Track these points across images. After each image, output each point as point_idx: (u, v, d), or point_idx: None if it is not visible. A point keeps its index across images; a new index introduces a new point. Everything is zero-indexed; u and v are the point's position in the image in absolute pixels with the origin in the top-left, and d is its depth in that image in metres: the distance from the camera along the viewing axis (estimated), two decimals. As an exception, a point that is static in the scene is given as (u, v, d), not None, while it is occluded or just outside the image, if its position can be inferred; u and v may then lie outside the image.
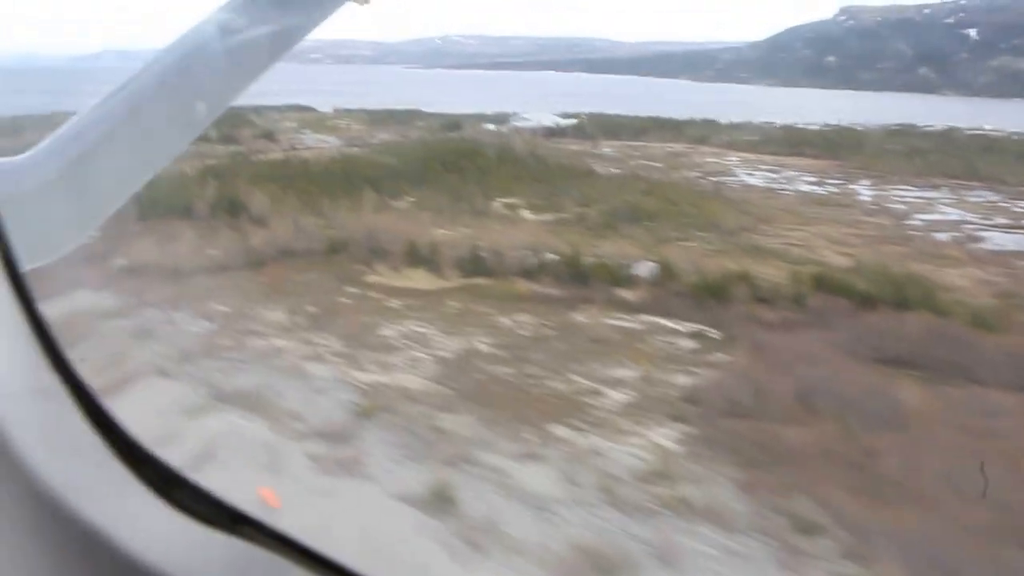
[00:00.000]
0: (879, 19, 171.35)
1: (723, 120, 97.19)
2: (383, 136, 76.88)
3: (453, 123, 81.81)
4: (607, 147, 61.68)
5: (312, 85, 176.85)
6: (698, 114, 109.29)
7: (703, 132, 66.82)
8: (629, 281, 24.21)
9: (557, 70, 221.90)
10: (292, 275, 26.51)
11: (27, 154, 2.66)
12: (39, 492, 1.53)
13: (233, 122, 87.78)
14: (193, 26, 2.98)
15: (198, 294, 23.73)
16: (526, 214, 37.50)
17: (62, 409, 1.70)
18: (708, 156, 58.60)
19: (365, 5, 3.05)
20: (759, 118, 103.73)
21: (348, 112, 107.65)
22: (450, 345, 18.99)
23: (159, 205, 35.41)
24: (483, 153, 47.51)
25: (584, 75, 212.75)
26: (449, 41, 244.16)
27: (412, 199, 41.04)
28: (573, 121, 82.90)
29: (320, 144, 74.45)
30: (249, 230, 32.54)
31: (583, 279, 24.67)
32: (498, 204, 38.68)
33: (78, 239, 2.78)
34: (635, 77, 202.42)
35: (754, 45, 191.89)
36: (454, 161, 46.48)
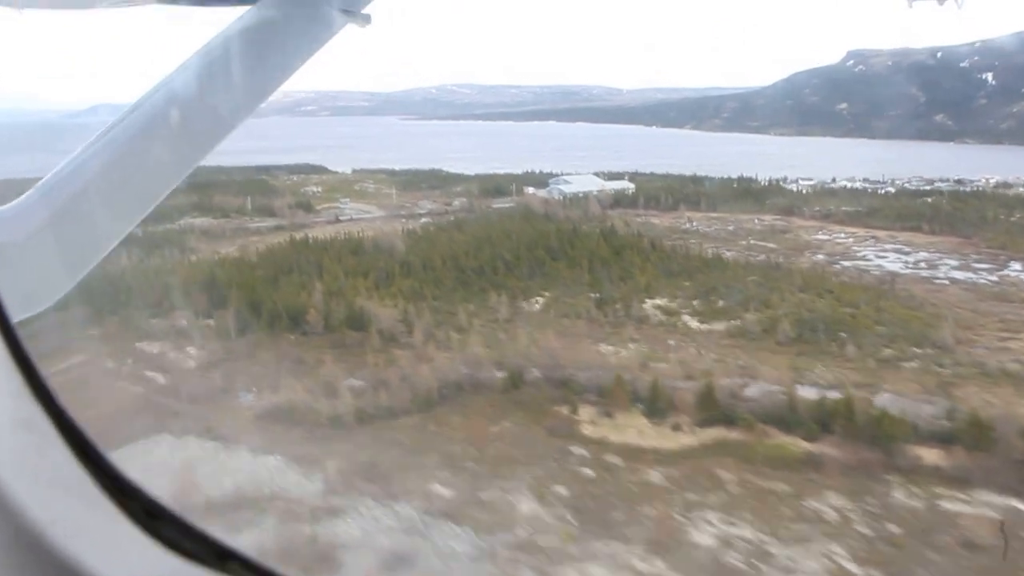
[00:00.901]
0: (889, 63, 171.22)
1: (762, 178, 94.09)
2: (428, 205, 72.47)
3: (495, 188, 77.49)
4: (694, 220, 56.50)
5: (314, 140, 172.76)
6: (724, 169, 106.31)
7: (786, 201, 62.14)
8: (916, 434, 20.00)
9: (557, 119, 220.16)
10: (482, 424, 22.35)
11: (12, 204, 2.84)
12: (21, 526, 1.51)
13: (259, 188, 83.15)
14: (170, 73, 3.21)
15: (390, 462, 19.33)
16: (691, 322, 32.60)
17: (45, 440, 1.67)
18: (815, 232, 53.82)
19: (366, 27, 3.69)
20: (796, 174, 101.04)
21: (369, 173, 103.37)
22: (807, 565, 14.99)
23: (261, 313, 31.05)
24: (584, 235, 42.94)
25: (586, 125, 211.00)
26: (444, 91, 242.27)
27: (543, 299, 36.46)
28: (623, 185, 78.79)
29: (363, 215, 69.99)
30: (385, 350, 28.16)
31: (855, 431, 20.67)
32: (648, 307, 33.72)
33: (66, 288, 3.01)
34: (639, 127, 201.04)
35: (759, 92, 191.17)
36: (557, 247, 41.12)
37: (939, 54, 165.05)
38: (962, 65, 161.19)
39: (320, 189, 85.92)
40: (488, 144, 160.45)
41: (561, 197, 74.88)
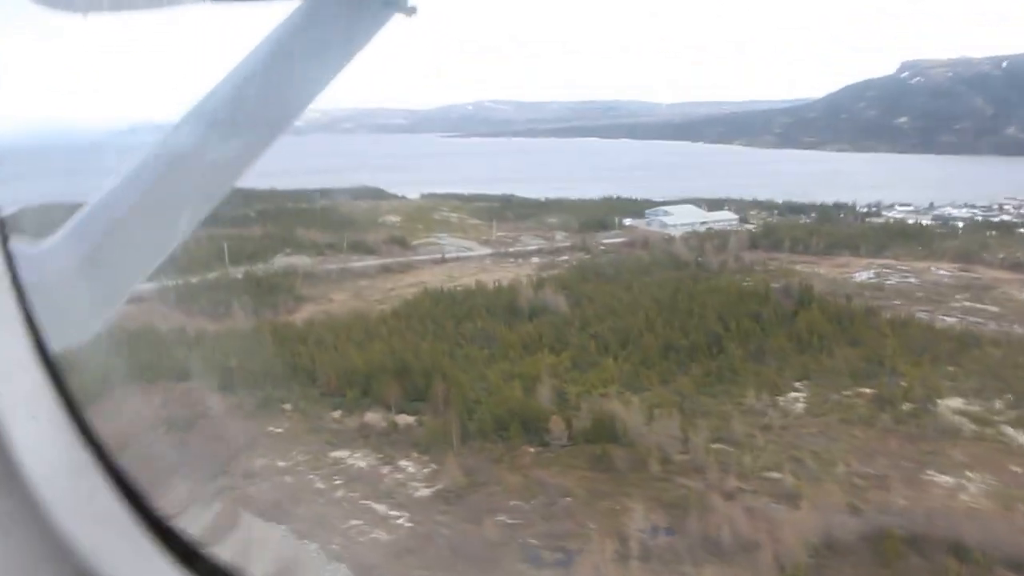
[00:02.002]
0: (950, 74, 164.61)
1: (856, 203, 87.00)
2: (530, 241, 66.36)
3: (594, 220, 71.37)
4: (861, 269, 47.41)
5: (360, 159, 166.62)
6: (804, 192, 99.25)
7: (951, 244, 53.95)
8: None
9: (599, 136, 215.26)
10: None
11: (48, 241, 2.94)
12: (74, 564, 1.67)
13: (334, 219, 77.46)
14: (198, 102, 3.28)
15: None
16: (1020, 436, 24.13)
17: (94, 486, 1.83)
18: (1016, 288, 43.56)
19: (412, 16, 3.61)
20: (883, 196, 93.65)
21: (440, 199, 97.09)
22: None
23: (468, 408, 25.27)
24: (770, 299, 36.01)
25: (631, 142, 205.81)
26: (481, 107, 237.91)
27: (799, 394, 26.78)
28: (725, 216, 72.64)
29: (465, 252, 64.18)
30: (668, 477, 22.18)
31: None
32: (943, 409, 25.79)
33: (104, 319, 3.10)
34: (686, 143, 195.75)
35: (809, 105, 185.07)
36: (761, 312, 34.19)
37: (1004, 64, 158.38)
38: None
39: (399, 219, 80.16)
40: (541, 163, 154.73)
41: (662, 228, 69.28)
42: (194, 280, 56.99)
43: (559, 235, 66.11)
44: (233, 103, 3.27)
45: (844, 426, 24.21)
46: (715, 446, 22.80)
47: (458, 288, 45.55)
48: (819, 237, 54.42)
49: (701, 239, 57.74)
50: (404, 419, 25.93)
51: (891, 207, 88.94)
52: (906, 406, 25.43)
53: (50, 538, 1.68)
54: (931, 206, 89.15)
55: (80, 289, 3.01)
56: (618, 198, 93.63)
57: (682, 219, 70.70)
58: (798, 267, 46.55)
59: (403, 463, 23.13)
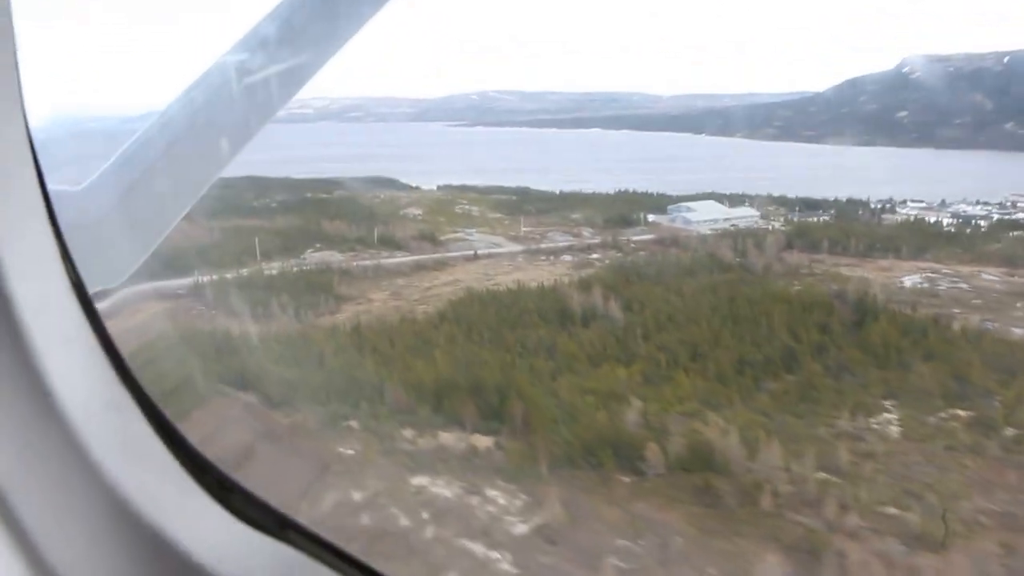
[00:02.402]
0: (951, 69, 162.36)
1: (869, 199, 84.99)
2: (558, 237, 63.91)
3: (618, 215, 69.01)
4: (906, 272, 44.91)
5: (369, 148, 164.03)
6: (815, 187, 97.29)
7: (993, 245, 51.88)
8: None
9: (601, 127, 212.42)
10: None
11: (86, 183, 2.95)
12: (113, 499, 1.69)
13: (354, 210, 74.82)
14: (213, 63, 3.21)
15: None
16: None
17: (131, 421, 1.83)
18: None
19: None
20: (893, 192, 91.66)
21: (457, 191, 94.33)
22: None
23: (547, 428, 23.15)
24: (833, 307, 33.74)
25: (635, 133, 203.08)
26: (486, 97, 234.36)
27: (891, 415, 24.70)
28: (747, 213, 70.43)
29: (495, 249, 61.89)
30: (779, 512, 20.12)
31: None
32: None
33: (138, 260, 3.09)
34: (688, 135, 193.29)
35: (809, 99, 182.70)
36: (828, 323, 31.94)
37: (1006, 59, 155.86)
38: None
39: (420, 212, 77.78)
40: (547, 154, 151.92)
41: (686, 225, 67.13)
42: (228, 276, 54.40)
43: (586, 231, 63.89)
44: (260, 50, 3.18)
45: (950, 454, 22.32)
46: (819, 476, 20.82)
47: (499, 289, 43.41)
48: (857, 238, 52.22)
49: (734, 238, 55.55)
50: (482, 440, 23.90)
51: (903, 203, 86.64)
52: (1009, 431, 23.55)
53: (87, 471, 1.65)
54: (943, 203, 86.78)
55: (116, 230, 2.96)
56: (633, 192, 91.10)
57: (705, 215, 68.55)
58: (842, 270, 44.58)
59: (491, 493, 21.08)
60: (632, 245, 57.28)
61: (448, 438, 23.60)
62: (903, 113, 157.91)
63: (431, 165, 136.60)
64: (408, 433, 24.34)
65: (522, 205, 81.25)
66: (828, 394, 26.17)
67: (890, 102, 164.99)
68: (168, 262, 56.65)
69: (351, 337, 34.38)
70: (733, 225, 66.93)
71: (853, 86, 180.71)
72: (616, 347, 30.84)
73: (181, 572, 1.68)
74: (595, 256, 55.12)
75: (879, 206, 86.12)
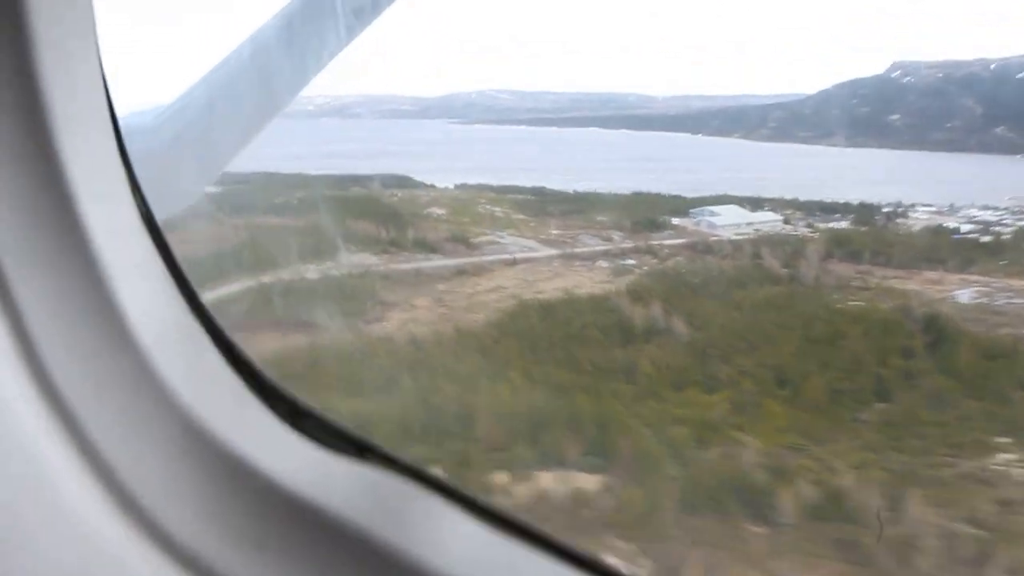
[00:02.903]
0: (940, 75, 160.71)
1: (877, 202, 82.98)
2: (589, 240, 61.67)
3: (646, 219, 66.79)
4: (954, 286, 43.88)
5: (376, 145, 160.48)
6: (822, 190, 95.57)
7: None
8: None
9: (598, 126, 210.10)
10: None
11: (154, 115, 3.30)
12: (186, 424, 1.71)
13: (376, 209, 72.07)
14: (261, 26, 3.51)
15: None
16: None
17: (202, 349, 1.85)
18: None
19: None
20: (900, 195, 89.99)
21: (475, 191, 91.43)
22: None
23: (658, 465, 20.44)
24: (908, 328, 31.79)
25: (632, 132, 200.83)
26: (484, 96, 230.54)
27: (1009, 456, 24.42)
28: (769, 218, 68.53)
29: (528, 252, 59.47)
30: None
31: None
32: None
33: (201, 189, 3.46)
34: (686, 135, 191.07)
35: (802, 101, 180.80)
36: (907, 347, 29.96)
37: (993, 65, 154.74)
38: (1019, 76, 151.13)
39: (443, 211, 75.04)
40: (551, 152, 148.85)
41: (711, 229, 64.72)
42: (266, 280, 51.54)
43: (615, 235, 61.34)
44: (289, 24, 3.50)
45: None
46: (962, 528, 18.53)
47: (547, 298, 40.91)
48: (899, 248, 49.93)
49: (769, 245, 53.23)
50: (586, 481, 21.45)
51: (912, 207, 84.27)
52: None
53: (160, 398, 1.67)
54: (952, 207, 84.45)
55: (180, 161, 3.22)
56: (647, 193, 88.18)
57: (729, 219, 66.18)
58: (893, 284, 42.36)
59: (616, 543, 18.60)
60: (666, 250, 54.73)
61: (549, 480, 21.14)
62: (895, 116, 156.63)
63: (440, 162, 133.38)
64: (502, 476, 21.78)
65: (543, 206, 78.48)
66: (932, 428, 24.02)
67: (882, 105, 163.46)
68: (199, 266, 53.32)
69: (409, 352, 31.76)
70: (757, 230, 64.33)
71: (845, 89, 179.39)
72: (693, 369, 28.53)
73: (258, 494, 1.69)
74: (631, 262, 52.67)
75: (890, 210, 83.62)
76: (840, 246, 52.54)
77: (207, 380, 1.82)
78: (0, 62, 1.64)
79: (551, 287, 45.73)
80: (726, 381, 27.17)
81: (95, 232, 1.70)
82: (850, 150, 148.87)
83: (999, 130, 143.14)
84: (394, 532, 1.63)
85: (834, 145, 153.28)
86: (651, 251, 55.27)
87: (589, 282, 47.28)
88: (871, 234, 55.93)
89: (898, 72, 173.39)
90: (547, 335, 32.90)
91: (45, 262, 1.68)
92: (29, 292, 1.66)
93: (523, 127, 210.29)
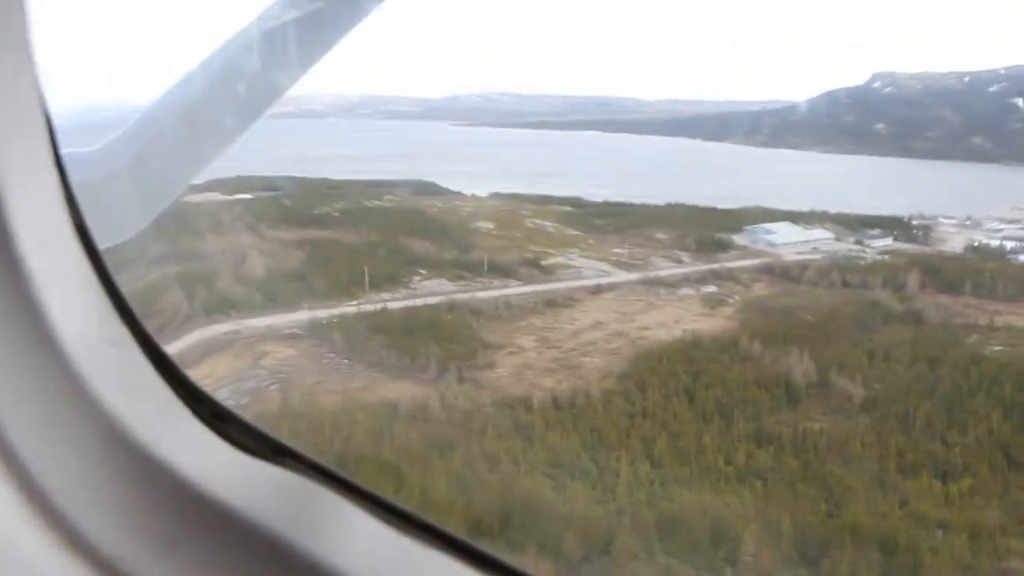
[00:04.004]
0: (920, 86, 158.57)
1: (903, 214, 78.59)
2: (663, 263, 55.79)
3: (708, 238, 61.41)
4: None
5: (390, 147, 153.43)
6: (838, 200, 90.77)
7: None
8: None
9: (599, 131, 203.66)
10: None
11: (99, 147, 2.80)
12: (109, 428, 1.61)
13: (435, 227, 65.63)
14: (228, 39, 3.12)
15: None
16: None
17: (131, 355, 1.75)
18: None
19: None
20: (915, 205, 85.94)
21: (514, 200, 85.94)
22: None
23: None
24: None
25: (632, 136, 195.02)
26: (486, 98, 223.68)
27: None
28: (820, 235, 63.28)
29: (604, 277, 53.80)
30: None
31: None
32: None
33: (143, 222, 2.90)
34: (684, 140, 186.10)
35: (791, 108, 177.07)
36: None
37: (967, 79, 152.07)
38: (991, 90, 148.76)
39: (491, 225, 68.92)
40: (564, 157, 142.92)
41: (770, 248, 59.49)
42: (337, 311, 44.94)
43: (683, 255, 56.04)
44: (248, 54, 3.14)
45: None
46: None
47: (667, 341, 35.50)
48: (989, 276, 45.11)
49: (850, 270, 48.26)
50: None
51: (935, 219, 79.51)
52: None
53: (83, 402, 1.60)
54: (972, 219, 79.90)
55: (125, 189, 2.82)
56: (681, 205, 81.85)
57: (785, 237, 61.07)
58: (1010, 320, 37.59)
59: None
60: (744, 275, 49.28)
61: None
62: (880, 125, 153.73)
63: (461, 167, 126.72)
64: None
65: (587, 218, 72.88)
66: None
67: (866, 114, 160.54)
68: (263, 287, 46.68)
69: (565, 421, 26.03)
70: (815, 248, 59.28)
71: (830, 98, 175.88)
72: (904, 445, 23.30)
73: (178, 496, 1.61)
74: (713, 289, 47.27)
75: (919, 223, 78.81)
76: (927, 273, 47.70)
77: (132, 384, 1.70)
78: None
79: (652, 322, 40.60)
80: (951, 461, 21.94)
81: (23, 237, 1.58)
82: (843, 157, 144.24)
83: (976, 140, 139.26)
84: (304, 533, 1.56)
85: (827, 152, 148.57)
86: (731, 276, 50.33)
87: (688, 315, 42.19)
88: (960, 262, 51.25)
89: (879, 83, 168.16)
90: (702, 394, 27.57)
91: None
92: None
93: (527, 130, 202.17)
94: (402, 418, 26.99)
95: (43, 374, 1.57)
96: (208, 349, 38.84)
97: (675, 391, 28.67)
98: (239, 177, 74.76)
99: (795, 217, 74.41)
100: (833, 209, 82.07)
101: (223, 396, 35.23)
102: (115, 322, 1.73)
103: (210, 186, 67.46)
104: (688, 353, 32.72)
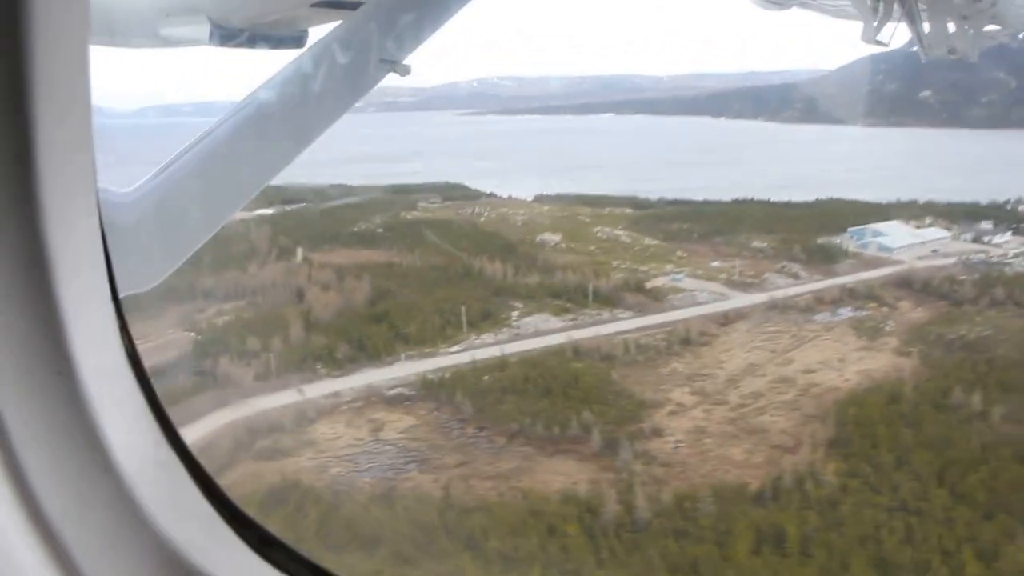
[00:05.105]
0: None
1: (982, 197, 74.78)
2: (775, 278, 52.17)
3: (816, 246, 57.40)
4: None
5: (397, 144, 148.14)
6: (905, 183, 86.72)
7: None
8: None
9: (613, 112, 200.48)
10: None
11: (130, 188, 3.02)
12: (162, 549, 1.73)
13: (496, 242, 61.15)
14: (270, 78, 3.51)
15: None
16: None
17: (178, 479, 1.89)
18: None
19: (406, 75, 3.87)
20: (996, 187, 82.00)
21: (559, 202, 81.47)
22: None
23: None
24: None
25: (652, 118, 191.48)
26: (486, 84, 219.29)
27: None
28: (937, 235, 59.67)
29: (727, 303, 49.53)
30: None
31: None
32: None
33: (169, 270, 3.15)
34: (707, 119, 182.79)
35: (822, 79, 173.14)
36: None
37: (1022, 36, 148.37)
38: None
39: (558, 238, 64.93)
40: (590, 146, 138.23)
41: (884, 253, 56.18)
42: (439, 361, 41.63)
43: (799, 270, 52.34)
44: (269, 109, 3.48)
45: None
46: None
47: (863, 391, 31.89)
48: None
49: (1000, 282, 44.87)
50: None
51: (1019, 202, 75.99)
52: None
53: (138, 523, 1.71)
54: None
55: (151, 238, 3.02)
56: (749, 201, 77.45)
57: (899, 240, 57.65)
58: None
59: None
60: (887, 295, 45.91)
61: None
62: (926, 92, 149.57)
63: (484, 163, 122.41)
64: None
65: (660, 224, 68.72)
66: None
67: (909, 81, 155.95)
68: (339, 331, 43.14)
69: (801, 519, 22.50)
70: (934, 250, 56.01)
71: (867, 64, 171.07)
72: None
73: None
74: (857, 314, 43.69)
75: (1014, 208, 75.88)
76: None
77: (183, 508, 1.80)
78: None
79: (811, 361, 36.82)
80: None
81: (83, 369, 1.72)
82: (892, 131, 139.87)
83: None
84: None
85: (873, 125, 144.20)
86: (870, 295, 46.32)
87: (847, 350, 38.22)
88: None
89: (919, 46, 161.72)
90: (956, 476, 23.96)
91: (37, 396, 1.70)
92: (20, 423, 1.68)
93: (537, 116, 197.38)
94: (606, 521, 23.28)
95: (100, 494, 1.68)
96: (314, 413, 35.04)
97: (921, 470, 24.57)
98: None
99: (882, 211, 70.52)
100: (918, 196, 78.28)
101: (365, 474, 31.16)
102: (166, 448, 1.84)
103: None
104: (888, 409, 28.79)
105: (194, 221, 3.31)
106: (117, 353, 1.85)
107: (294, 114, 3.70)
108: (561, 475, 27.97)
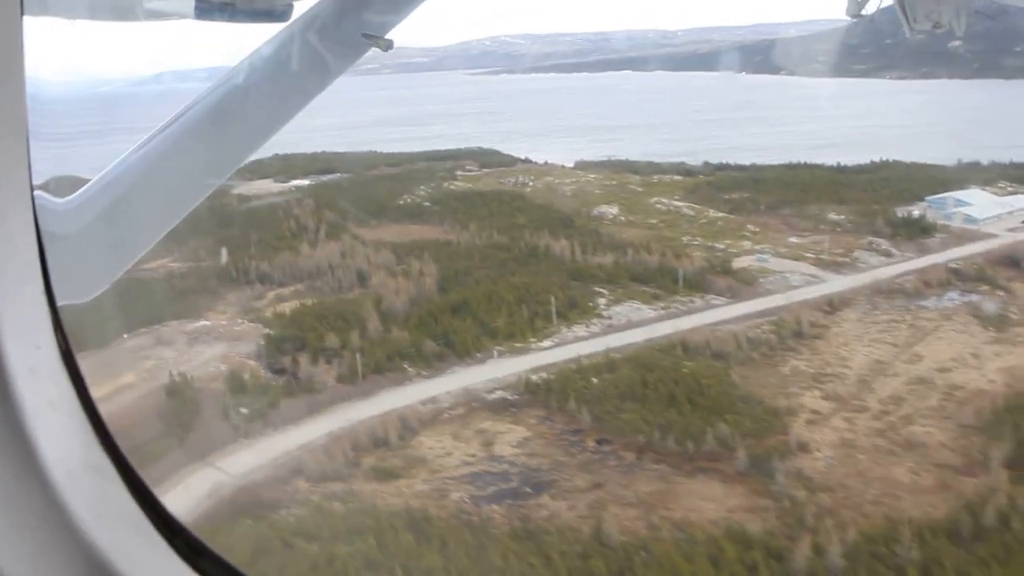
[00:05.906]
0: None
1: None
2: (868, 257, 48.20)
3: (901, 220, 52.83)
4: None
5: (414, 106, 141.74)
6: (968, 145, 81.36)
7: None
8: None
9: (630, 68, 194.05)
10: None
11: (69, 199, 2.77)
12: (90, 555, 1.68)
13: (552, 217, 56.48)
14: (228, 71, 3.19)
15: None
16: None
17: (110, 484, 1.83)
18: None
19: (388, 49, 3.52)
20: None
21: (603, 168, 76.50)
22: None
23: None
24: None
25: (673, 74, 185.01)
26: (498, 42, 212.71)
27: None
28: (1021, 203, 55.67)
29: (823, 287, 45.49)
30: None
31: None
32: None
33: (109, 281, 2.90)
34: (729, 73, 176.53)
35: (846, 29, 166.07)
36: None
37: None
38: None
39: (616, 211, 60.66)
40: (613, 105, 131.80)
41: (971, 225, 52.15)
42: (536, 359, 38.32)
43: (884, 244, 48.42)
44: (233, 100, 3.17)
45: None
46: None
47: (1015, 398, 28.55)
48: None
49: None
50: None
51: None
52: None
53: (65, 529, 1.66)
54: None
55: (95, 246, 2.86)
56: (805, 166, 71.89)
57: (985, 210, 53.50)
58: None
59: None
60: (999, 276, 42.14)
61: None
62: (956, 42, 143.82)
63: (506, 124, 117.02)
64: None
65: (719, 193, 64.35)
66: None
67: (936, 31, 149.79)
68: (419, 323, 39.33)
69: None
70: (1024, 222, 52.11)
71: (889, 13, 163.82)
72: None
73: None
74: (972, 298, 39.99)
75: None
76: None
77: (113, 513, 1.76)
78: None
79: (942, 357, 33.36)
80: None
81: (13, 370, 1.66)
82: (923, 83, 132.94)
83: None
84: None
85: (901, 78, 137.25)
86: (979, 276, 42.74)
87: (978, 343, 34.55)
88: None
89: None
90: None
91: None
92: None
93: (551, 75, 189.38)
94: (797, 570, 20.28)
95: (28, 499, 1.62)
96: (415, 422, 31.82)
97: None
98: (276, 156, 65.73)
99: (949, 175, 66.34)
100: (969, 154, 73.78)
101: (491, 500, 27.75)
102: (96, 449, 1.77)
103: (252, 169, 58.62)
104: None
105: (137, 229, 3.02)
106: (51, 354, 1.77)
107: (259, 102, 3.33)
108: (710, 501, 24.70)
